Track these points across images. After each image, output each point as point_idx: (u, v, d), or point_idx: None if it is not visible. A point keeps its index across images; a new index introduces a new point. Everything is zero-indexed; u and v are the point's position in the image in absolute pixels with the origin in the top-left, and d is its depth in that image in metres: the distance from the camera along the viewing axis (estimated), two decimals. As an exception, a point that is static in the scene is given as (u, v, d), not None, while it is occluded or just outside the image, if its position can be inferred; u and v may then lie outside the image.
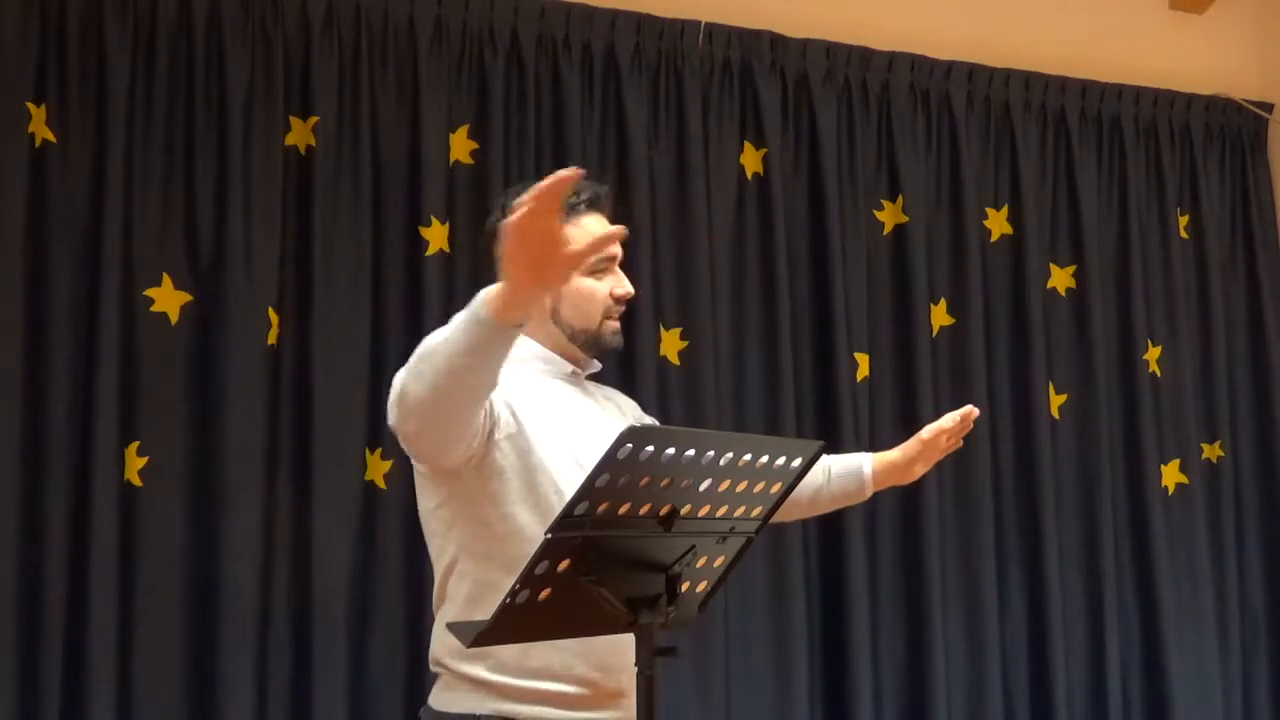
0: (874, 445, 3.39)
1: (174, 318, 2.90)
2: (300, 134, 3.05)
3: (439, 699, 2.02)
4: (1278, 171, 4.20)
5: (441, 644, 2.01)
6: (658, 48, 3.39)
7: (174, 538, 2.83)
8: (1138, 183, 3.94)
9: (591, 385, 2.22)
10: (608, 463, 1.51)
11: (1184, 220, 4.02)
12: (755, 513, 1.76)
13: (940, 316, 3.65)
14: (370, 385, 2.98)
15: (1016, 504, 3.67)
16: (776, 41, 3.52)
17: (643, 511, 1.59)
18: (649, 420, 2.35)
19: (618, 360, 2.87)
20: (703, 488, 1.64)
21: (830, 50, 3.58)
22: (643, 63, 3.37)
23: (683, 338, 3.32)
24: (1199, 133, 4.05)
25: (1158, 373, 3.88)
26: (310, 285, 2.98)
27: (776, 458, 1.71)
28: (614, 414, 2.20)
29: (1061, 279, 3.83)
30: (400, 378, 1.79)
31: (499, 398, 1.92)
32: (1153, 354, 3.88)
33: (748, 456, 1.67)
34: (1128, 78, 3.97)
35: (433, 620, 2.06)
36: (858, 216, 3.56)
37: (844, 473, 2.41)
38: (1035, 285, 3.73)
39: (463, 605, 1.98)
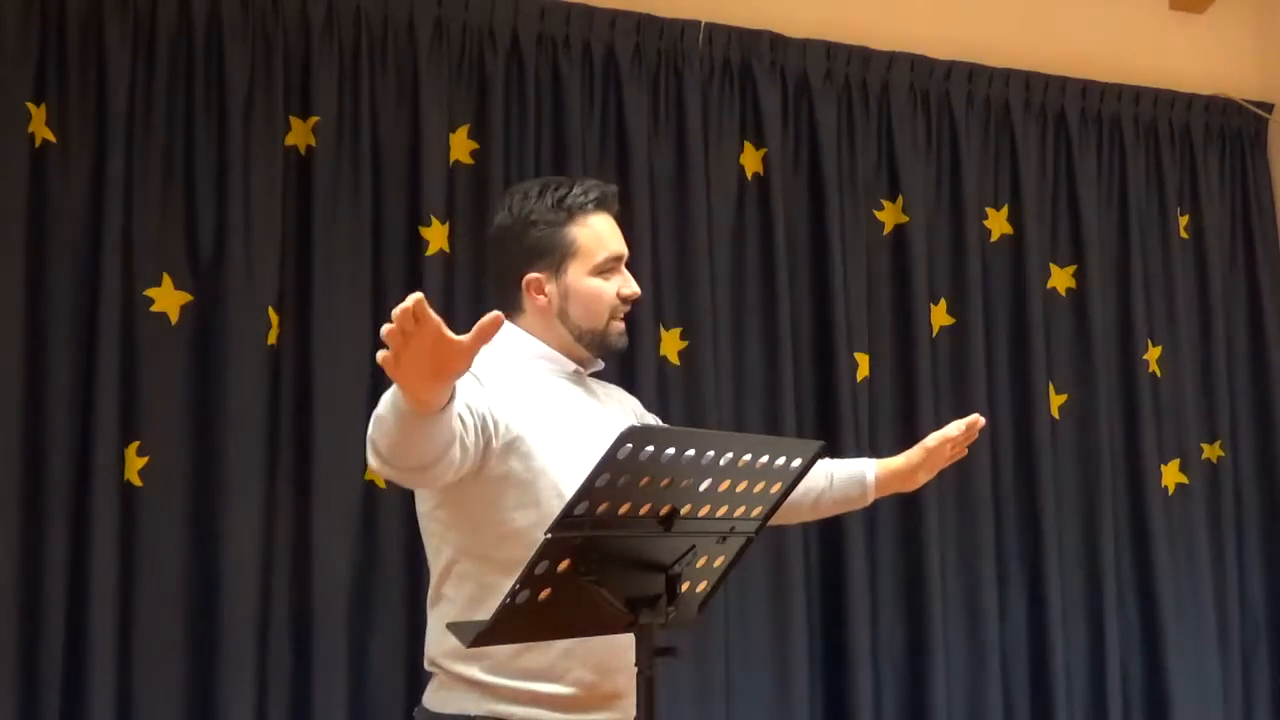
0: (874, 445, 3.40)
1: (174, 318, 2.89)
2: (300, 134, 3.04)
3: (433, 699, 2.02)
4: (1278, 171, 4.20)
5: (437, 644, 2.01)
6: (658, 48, 3.39)
7: (174, 538, 2.83)
8: (1138, 183, 3.94)
9: (594, 383, 2.22)
10: (608, 463, 1.51)
11: (1184, 220, 4.01)
12: (755, 513, 1.76)
13: (940, 316, 3.64)
14: (370, 385, 2.97)
15: (1016, 504, 3.67)
16: (776, 42, 3.52)
17: (643, 511, 1.59)
18: (651, 418, 2.35)
19: (618, 360, 2.86)
20: (703, 488, 1.64)
21: (830, 50, 3.58)
22: (643, 63, 3.36)
23: (683, 338, 3.32)
24: (1199, 133, 4.05)
25: (1158, 373, 3.88)
26: (310, 285, 2.98)
27: (777, 458, 1.71)
28: (616, 412, 2.20)
29: (1062, 279, 3.83)
30: (369, 431, 1.74)
31: (496, 406, 1.92)
32: (1153, 354, 3.88)
33: (748, 456, 1.67)
34: (1128, 78, 3.97)
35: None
36: (858, 216, 3.55)
37: (847, 479, 2.40)
38: (1035, 285, 3.73)
39: (463, 606, 1.97)
